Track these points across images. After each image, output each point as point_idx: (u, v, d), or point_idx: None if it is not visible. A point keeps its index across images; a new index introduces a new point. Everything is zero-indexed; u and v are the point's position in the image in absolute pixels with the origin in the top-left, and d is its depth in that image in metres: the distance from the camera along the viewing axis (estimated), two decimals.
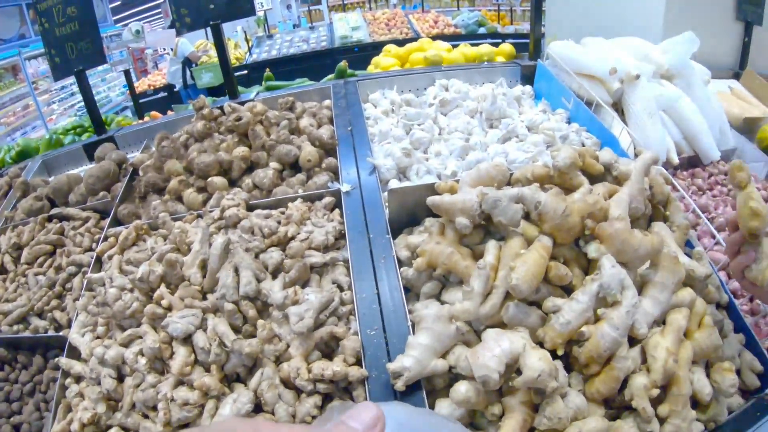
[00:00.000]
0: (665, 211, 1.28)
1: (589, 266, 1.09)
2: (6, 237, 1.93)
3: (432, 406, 0.97)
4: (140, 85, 7.58)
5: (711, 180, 1.88)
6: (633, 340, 1.01)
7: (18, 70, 8.92)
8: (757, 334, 1.20)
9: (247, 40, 7.64)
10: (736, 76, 2.74)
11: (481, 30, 7.46)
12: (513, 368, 0.90)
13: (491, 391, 0.93)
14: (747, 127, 2.15)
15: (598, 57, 1.97)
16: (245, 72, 6.46)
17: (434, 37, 6.13)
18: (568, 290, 1.05)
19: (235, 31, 8.02)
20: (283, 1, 11.27)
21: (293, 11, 10.65)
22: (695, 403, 1.03)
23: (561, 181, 1.16)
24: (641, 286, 1.06)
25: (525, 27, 7.49)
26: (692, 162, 1.97)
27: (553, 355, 0.94)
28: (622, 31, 2.34)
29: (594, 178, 1.23)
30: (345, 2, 11.25)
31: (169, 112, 3.01)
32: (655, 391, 0.94)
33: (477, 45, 3.12)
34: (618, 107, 1.96)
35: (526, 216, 1.08)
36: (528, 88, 2.12)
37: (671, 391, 0.97)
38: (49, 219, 1.94)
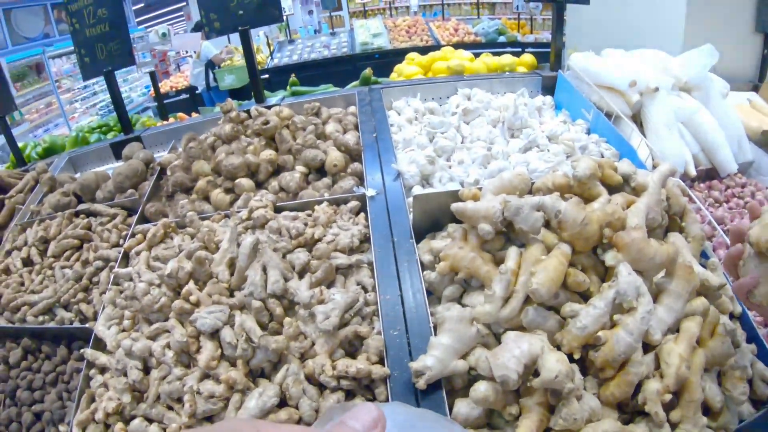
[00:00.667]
0: (681, 222, 1.31)
1: (606, 274, 1.12)
2: (33, 230, 1.99)
3: (451, 406, 1.00)
4: (162, 87, 7.70)
5: (728, 192, 1.89)
6: (647, 347, 1.04)
7: (42, 69, 9.10)
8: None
9: (268, 45, 7.75)
10: (756, 89, 2.75)
11: (501, 39, 7.50)
12: (531, 370, 0.94)
13: (509, 392, 0.96)
14: (766, 140, 2.16)
15: (617, 69, 2.01)
16: (267, 76, 6.56)
17: (454, 45, 6.18)
18: (585, 297, 1.08)
19: (257, 35, 8.13)
20: (304, 6, 11.41)
21: (314, 17, 10.77)
22: (706, 410, 1.06)
23: (581, 191, 1.20)
24: (656, 295, 1.09)
25: (545, 36, 7.52)
26: (709, 174, 1.99)
27: (570, 359, 0.97)
28: (642, 42, 2.38)
29: (613, 189, 1.27)
30: (366, 9, 11.38)
31: (194, 114, 3.08)
32: (668, 397, 0.96)
33: (498, 54, 3.16)
34: (637, 119, 1.99)
35: (547, 224, 1.12)
36: (549, 98, 2.16)
37: (683, 397, 1.00)
38: (77, 214, 2.00)
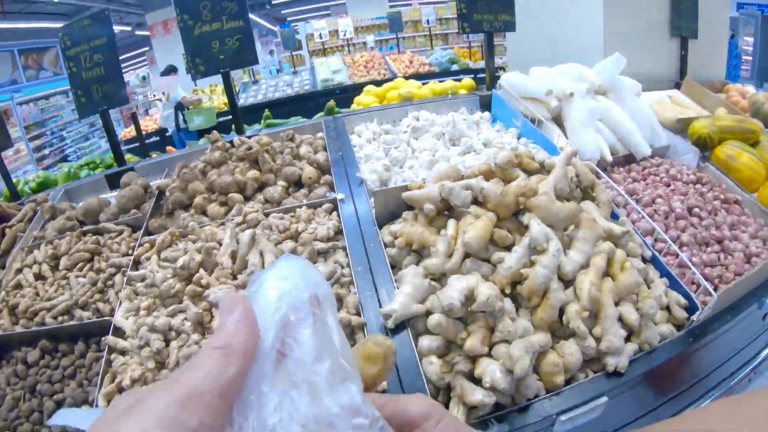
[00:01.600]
0: (593, 193, 1.69)
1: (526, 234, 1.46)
2: (42, 249, 2.22)
3: (417, 344, 1.32)
4: (132, 131, 7.93)
5: (645, 172, 2.25)
6: (568, 285, 1.37)
7: (10, 115, 9.22)
8: (680, 279, 1.57)
9: (233, 86, 8.06)
10: (678, 86, 3.18)
11: (454, 67, 7.96)
12: (471, 300, 1.25)
13: (458, 322, 1.29)
14: (682, 127, 2.54)
15: (539, 82, 2.41)
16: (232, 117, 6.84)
17: (409, 76, 6.60)
18: (510, 251, 1.41)
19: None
20: (264, 47, 11.78)
21: (275, 57, 11.12)
22: (630, 333, 1.37)
23: (502, 175, 1.58)
24: (569, 244, 1.43)
25: (497, 61, 7.93)
26: (629, 159, 2.36)
27: (504, 295, 1.30)
28: (571, 58, 2.78)
29: (532, 175, 1.64)
30: (325, 47, 11.81)
31: (169, 149, 3.37)
32: (586, 314, 1.29)
33: (443, 81, 3.58)
34: (559, 121, 2.38)
35: (476, 201, 1.48)
36: (486, 113, 2.57)
37: (600, 315, 1.32)
38: (84, 234, 2.24)
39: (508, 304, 1.29)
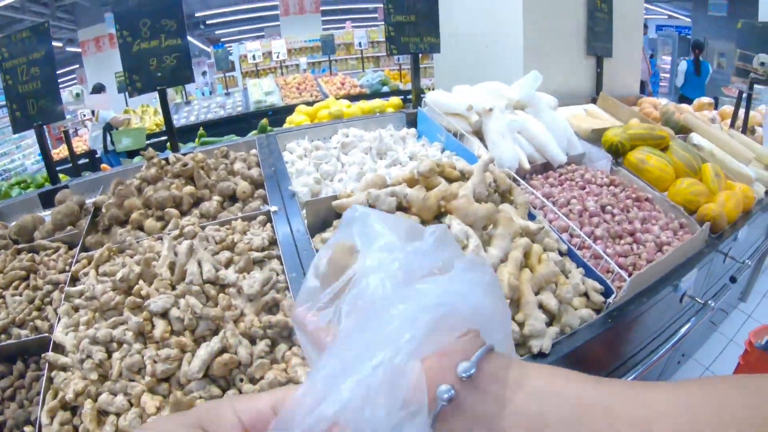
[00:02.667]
0: (510, 197, 1.82)
1: None
2: None
3: None
4: (62, 151, 7.56)
5: (561, 178, 2.41)
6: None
7: None
8: (595, 268, 1.70)
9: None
10: (594, 101, 3.43)
11: (385, 88, 8.10)
12: None
13: None
14: (596, 137, 2.77)
15: (461, 99, 2.55)
16: (165, 138, 6.67)
17: (341, 98, 6.69)
18: None
19: (154, 98, 8.23)
20: (197, 68, 11.54)
21: (207, 78, 10.92)
22: (552, 319, 1.48)
23: (425, 183, 1.68)
24: (488, 242, 1.54)
25: (425, 83, 8.19)
26: (547, 167, 2.52)
27: None
28: (494, 76, 2.95)
29: (454, 182, 1.75)
30: (258, 68, 11.71)
31: (104, 167, 3.30)
32: (507, 302, 1.37)
33: (372, 101, 3.70)
34: (480, 135, 2.52)
35: (401, 206, 1.58)
36: (412, 130, 2.69)
37: (521, 303, 1.42)
38: (18, 252, 2.17)
39: None
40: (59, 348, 1.66)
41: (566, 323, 1.49)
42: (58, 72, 2.76)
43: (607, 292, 1.64)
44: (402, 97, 6.67)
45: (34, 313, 1.86)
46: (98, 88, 7.18)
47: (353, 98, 7.22)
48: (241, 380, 1.39)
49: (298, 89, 8.41)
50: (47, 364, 1.61)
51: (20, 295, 1.95)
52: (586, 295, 1.63)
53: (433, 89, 4.37)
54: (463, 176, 1.80)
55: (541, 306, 1.46)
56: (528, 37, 3.38)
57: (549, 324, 1.47)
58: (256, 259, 1.66)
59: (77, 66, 13.55)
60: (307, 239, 1.73)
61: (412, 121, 2.84)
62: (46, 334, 1.73)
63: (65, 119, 2.71)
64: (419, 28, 2.94)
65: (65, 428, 1.46)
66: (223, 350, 1.41)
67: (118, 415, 1.44)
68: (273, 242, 1.79)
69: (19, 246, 2.20)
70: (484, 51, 3.74)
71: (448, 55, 3.26)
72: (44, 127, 2.69)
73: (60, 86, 2.83)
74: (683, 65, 8.94)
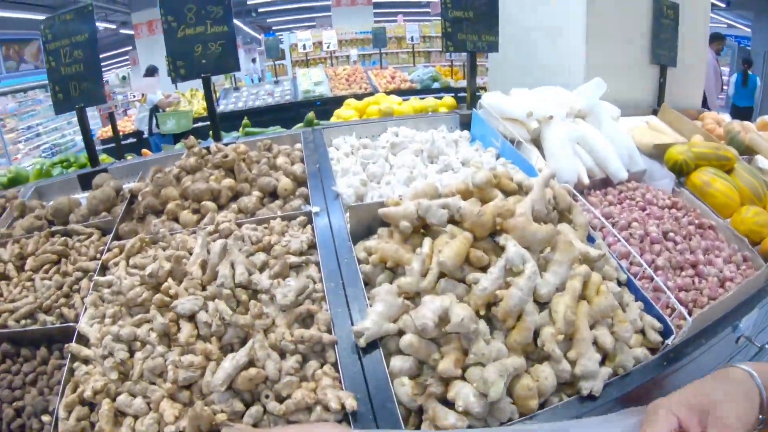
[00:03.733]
0: (570, 216, 1.68)
1: (502, 255, 1.42)
2: (9, 248, 2.13)
3: (388, 364, 1.28)
4: (108, 131, 7.75)
5: (621, 195, 2.25)
6: (543, 307, 1.35)
7: None
8: (654, 303, 1.56)
9: (214, 92, 7.98)
10: (655, 113, 3.23)
11: (435, 84, 8.00)
12: (445, 321, 1.22)
13: (431, 343, 1.26)
14: (658, 153, 2.57)
15: (520, 104, 2.40)
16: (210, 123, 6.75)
17: (390, 92, 6.61)
18: (485, 272, 1.38)
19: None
20: (247, 54, 11.67)
21: (257, 65, 11.02)
22: (605, 357, 1.36)
23: (480, 195, 1.55)
24: (544, 266, 1.41)
25: (478, 81, 7.96)
26: (606, 183, 2.36)
27: (478, 316, 1.26)
28: (551, 81, 2.81)
29: (510, 195, 1.62)
30: (308, 58, 11.75)
31: (145, 152, 3.30)
32: (560, 337, 1.27)
33: (424, 98, 3.57)
34: (538, 143, 2.38)
35: (452, 220, 1.46)
36: (465, 132, 2.55)
37: (575, 338, 1.31)
38: (52, 234, 2.15)
39: (482, 325, 1.26)
40: (83, 339, 1.62)
41: (620, 363, 1.37)
42: (111, 53, 2.78)
43: (665, 331, 1.51)
44: (453, 94, 6.54)
45: (62, 300, 1.82)
46: (151, 70, 7.31)
47: (403, 93, 7.14)
48: (267, 397, 1.30)
49: (347, 81, 8.38)
50: (70, 355, 1.57)
51: (50, 279, 1.92)
52: (642, 331, 1.51)
53: (485, 89, 4.22)
54: (520, 189, 1.66)
55: (595, 343, 1.34)
56: (590, 42, 3.20)
57: (601, 362, 1.35)
58: (293, 264, 1.57)
59: (130, 48, 13.92)
60: (348, 246, 1.63)
61: (465, 123, 2.71)
62: (72, 324, 1.69)
63: (106, 103, 2.70)
64: (477, 26, 2.81)
65: (82, 424, 1.42)
66: (250, 363, 1.31)
67: (136, 417, 1.38)
68: (312, 246, 1.69)
69: (53, 229, 2.18)
70: (543, 53, 3.58)
71: (503, 54, 3.11)
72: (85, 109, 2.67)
73: (111, 67, 2.86)
74: (734, 77, 10.09)
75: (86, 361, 1.57)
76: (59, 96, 2.65)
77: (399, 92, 7.43)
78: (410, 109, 3.35)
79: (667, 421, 0.86)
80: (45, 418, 1.55)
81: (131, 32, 13.29)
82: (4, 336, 1.77)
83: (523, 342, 1.27)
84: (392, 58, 12.86)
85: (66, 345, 1.59)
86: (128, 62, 14.07)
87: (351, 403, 1.18)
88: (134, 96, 6.66)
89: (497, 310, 1.28)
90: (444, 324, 1.23)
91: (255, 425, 1.28)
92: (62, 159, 3.55)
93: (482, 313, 1.29)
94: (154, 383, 1.41)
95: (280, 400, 1.29)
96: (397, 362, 1.27)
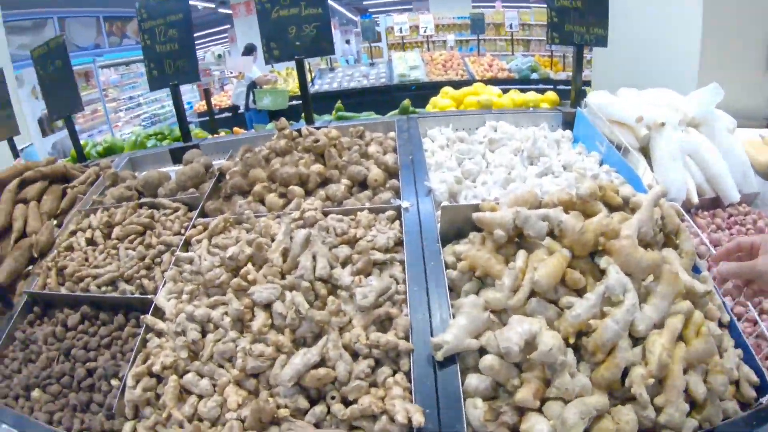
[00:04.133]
0: (676, 240, 1.53)
1: (601, 279, 1.32)
2: (98, 216, 2.27)
3: (463, 381, 1.23)
4: (205, 105, 8.16)
5: (731, 220, 2.07)
6: (637, 342, 1.25)
7: (90, 77, 9.79)
8: (755, 353, 1.42)
9: (310, 71, 8.18)
10: None
11: (534, 75, 7.78)
12: (531, 347, 1.15)
13: (512, 366, 1.19)
14: None
15: (629, 106, 2.24)
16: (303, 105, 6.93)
17: (488, 81, 6.46)
18: (581, 295, 1.29)
19: None
20: (342, 35, 11.87)
21: (352, 47, 11.19)
22: (692, 405, 1.24)
23: (583, 208, 1.44)
24: (645, 296, 1.30)
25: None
26: (714, 203, 2.17)
27: (566, 345, 1.19)
28: (660, 82, 2.60)
29: (615, 210, 1.51)
30: (404, 41, 11.77)
31: (242, 131, 3.41)
32: (651, 380, 1.16)
33: (525, 91, 3.42)
34: (646, 151, 2.21)
35: (551, 233, 1.36)
36: (567, 132, 2.41)
37: (666, 383, 1.20)
38: (140, 206, 2.27)
39: (570, 357, 1.18)
40: (159, 311, 1.69)
41: (708, 417, 1.25)
42: (210, 31, 2.89)
43: (762, 387, 1.37)
44: (552, 87, 6.32)
45: (142, 271, 1.92)
46: (249, 49, 7.61)
47: (500, 82, 6.98)
48: (333, 398, 1.29)
49: (443, 66, 8.31)
50: (145, 326, 1.66)
51: (133, 249, 2.02)
52: (736, 382, 1.36)
53: (589, 85, 3.99)
54: (626, 204, 1.53)
55: (685, 389, 1.23)
56: (706, 43, 2.99)
57: (688, 412, 1.23)
58: (377, 261, 1.54)
59: (228, 26, 14.53)
60: (437, 249, 1.57)
61: (568, 122, 2.56)
62: (150, 296, 1.77)
63: (200, 80, 2.81)
64: (586, 17, 2.64)
65: (147, 395, 1.49)
66: (321, 362, 1.30)
67: (200, 397, 1.43)
68: (399, 243, 1.66)
69: (142, 200, 2.29)
70: (653, 51, 3.37)
71: (610, 49, 2.92)
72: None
73: (210, 44, 2.98)
74: None
75: (159, 333, 1.64)
76: (154, 73, 2.80)
77: (496, 81, 7.26)
78: (510, 103, 3.22)
79: None
80: (114, 382, 1.66)
81: (229, 11, 13.88)
82: (86, 299, 1.90)
83: (610, 379, 1.18)
84: (490, 45, 12.61)
85: (142, 316, 1.68)
86: (227, 40, 14.72)
87: (418, 419, 1.14)
88: (231, 73, 6.97)
89: (588, 341, 1.20)
90: (529, 349, 1.16)
91: (317, 425, 1.27)
92: (157, 131, 3.75)
93: (572, 341, 1.21)
94: (222, 366, 1.44)
95: (346, 403, 1.28)
96: (473, 380, 1.22)
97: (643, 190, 1.82)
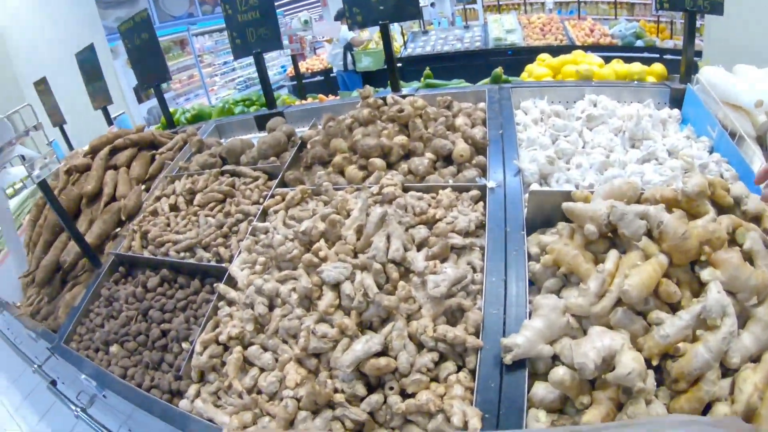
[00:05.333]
0: None
1: (700, 293, 1.18)
2: (182, 182, 2.37)
3: (530, 387, 1.16)
4: (301, 66, 8.32)
5: None
6: (726, 371, 1.11)
7: (186, 44, 10.40)
8: None
9: (402, 34, 8.08)
10: None
11: (639, 43, 7.22)
12: (609, 364, 1.06)
13: (584, 383, 1.10)
14: None
15: (747, 87, 1.98)
16: (399, 65, 6.87)
17: (589, 47, 6.06)
18: (674, 310, 1.17)
19: (391, 24, 8.50)
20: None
21: (447, 7, 10.85)
22: None
23: (688, 206, 1.29)
24: (745, 320, 1.15)
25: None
26: None
27: (648, 366, 1.07)
28: None
29: (723, 210, 1.34)
30: (500, 3, 11.34)
31: (330, 96, 3.41)
32: None
33: (629, 60, 3.15)
34: (763, 141, 1.95)
35: (649, 233, 1.23)
36: (675, 111, 2.16)
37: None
38: (222, 173, 2.35)
39: (650, 383, 1.06)
40: (232, 280, 1.75)
41: None
42: None
43: None
44: (657, 56, 5.84)
45: (220, 240, 1.98)
46: (342, 13, 7.63)
47: (601, 49, 6.55)
48: (391, 389, 1.26)
49: (542, 30, 7.89)
50: (218, 294, 1.72)
51: (213, 217, 2.10)
52: None
53: (700, 56, 3.61)
54: (737, 206, 1.34)
55: None
56: None
57: None
58: (455, 245, 1.47)
59: None
60: (521, 237, 1.48)
61: (676, 100, 2.31)
62: (226, 265, 1.83)
63: (282, 48, 2.83)
64: None
65: (212, 361, 1.55)
66: (383, 351, 1.27)
67: (261, 370, 1.46)
68: (480, 226, 1.58)
69: (223, 168, 2.36)
70: None
71: (727, 19, 2.55)
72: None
73: (303, 8, 3.00)
74: None
75: (230, 302, 1.69)
76: (237, 42, 2.85)
77: (597, 48, 6.79)
78: (612, 74, 2.96)
79: None
80: (184, 345, 1.75)
81: None
82: (166, 263, 2.01)
83: (689, 413, 1.06)
84: (591, 8, 11.79)
85: (216, 284, 1.76)
86: (319, 4, 14.85)
87: (475, 425, 1.09)
88: (322, 37, 7.05)
89: (672, 366, 1.08)
90: (606, 367, 1.06)
91: (371, 414, 1.26)
92: (245, 98, 3.84)
93: (655, 363, 1.10)
94: (286, 342, 1.45)
95: (404, 395, 1.25)
96: (540, 390, 1.14)
97: (757, 189, 1.61)
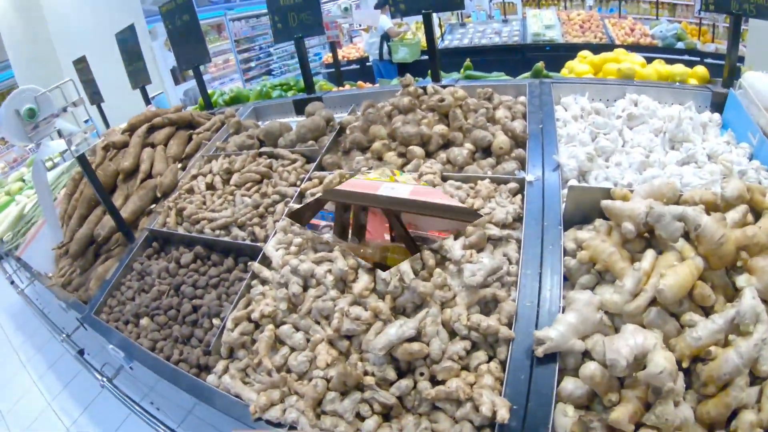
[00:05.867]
0: None
1: (734, 298, 1.18)
2: (219, 162, 2.42)
3: (559, 382, 1.17)
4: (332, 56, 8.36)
5: None
6: (754, 381, 1.11)
7: (222, 29, 10.60)
8: None
9: (440, 26, 8.06)
10: None
11: (679, 44, 7.09)
12: (640, 363, 1.06)
13: (613, 380, 1.10)
14: None
15: None
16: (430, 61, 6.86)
17: (629, 46, 5.97)
18: (708, 313, 1.17)
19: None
20: None
21: (484, 0, 10.76)
22: None
23: (726, 210, 1.28)
24: None
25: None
26: None
27: (678, 367, 1.07)
28: None
29: (760, 216, 1.32)
30: None
31: (368, 85, 3.43)
32: (760, 430, 1.04)
33: (670, 62, 3.10)
34: None
35: (686, 235, 1.23)
36: (716, 116, 2.13)
37: None
38: (260, 155, 2.39)
39: (680, 384, 1.07)
40: (267, 260, 1.78)
41: None
42: None
43: None
44: (698, 59, 5.73)
45: (255, 219, 2.02)
46: (383, 2, 7.63)
47: (641, 49, 6.45)
48: (422, 375, 1.29)
49: (581, 27, 7.79)
50: (251, 272, 1.77)
51: (249, 197, 2.13)
52: None
53: (743, 60, 3.52)
54: None
55: None
56: None
57: None
58: (492, 236, 1.49)
59: None
60: (558, 232, 1.49)
61: (717, 104, 2.27)
62: (260, 244, 1.87)
63: (324, 33, 2.87)
64: None
65: (243, 338, 1.60)
66: (416, 337, 1.30)
67: (292, 349, 1.50)
68: (518, 219, 1.59)
69: (261, 150, 2.40)
70: None
71: None
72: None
73: None
74: None
75: (264, 281, 1.74)
76: (278, 26, 2.90)
77: (637, 47, 6.66)
78: (654, 74, 2.92)
79: None
80: (215, 321, 1.80)
81: None
82: (201, 241, 2.07)
83: (715, 419, 1.07)
84: (632, 7, 11.57)
85: (250, 262, 1.80)
86: None
87: (503, 415, 1.11)
88: (360, 26, 7.05)
89: (702, 369, 1.09)
90: (637, 365, 1.07)
91: (400, 398, 1.29)
92: (282, 82, 3.88)
93: (685, 365, 1.10)
94: (318, 323, 1.49)
95: (434, 382, 1.27)
96: (570, 385, 1.15)
97: None
